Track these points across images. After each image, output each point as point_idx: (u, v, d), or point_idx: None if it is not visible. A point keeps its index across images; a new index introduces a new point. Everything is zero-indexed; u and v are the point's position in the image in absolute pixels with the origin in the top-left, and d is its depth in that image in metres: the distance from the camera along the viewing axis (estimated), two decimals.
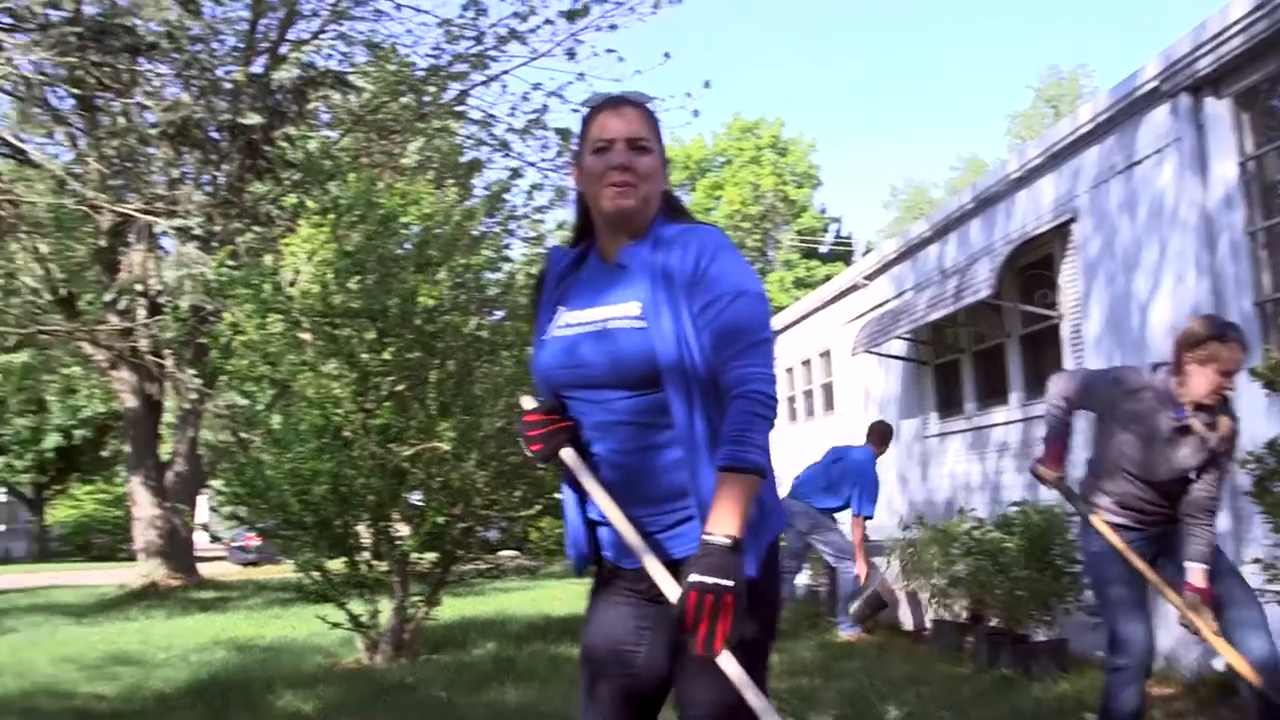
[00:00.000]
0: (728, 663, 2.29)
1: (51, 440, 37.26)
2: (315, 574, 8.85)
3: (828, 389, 15.05)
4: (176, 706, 7.24)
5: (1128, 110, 7.81)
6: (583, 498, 2.65)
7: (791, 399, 16.75)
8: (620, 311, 2.52)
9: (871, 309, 12.70)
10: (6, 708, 7.46)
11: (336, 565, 9.11)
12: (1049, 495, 8.54)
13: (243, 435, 9.48)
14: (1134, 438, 4.72)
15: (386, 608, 9.14)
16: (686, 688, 2.52)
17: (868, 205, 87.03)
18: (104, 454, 40.14)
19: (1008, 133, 46.57)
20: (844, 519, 10.33)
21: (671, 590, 2.39)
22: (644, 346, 2.45)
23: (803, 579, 12.89)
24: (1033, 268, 9.43)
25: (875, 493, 10.05)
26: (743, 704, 2.32)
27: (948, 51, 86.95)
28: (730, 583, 2.21)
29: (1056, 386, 5.11)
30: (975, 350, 10.60)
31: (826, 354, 15.02)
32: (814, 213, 35.78)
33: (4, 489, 44.06)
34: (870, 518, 10.06)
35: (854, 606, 9.77)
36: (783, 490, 10.21)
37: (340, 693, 7.42)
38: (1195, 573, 4.61)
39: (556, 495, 9.55)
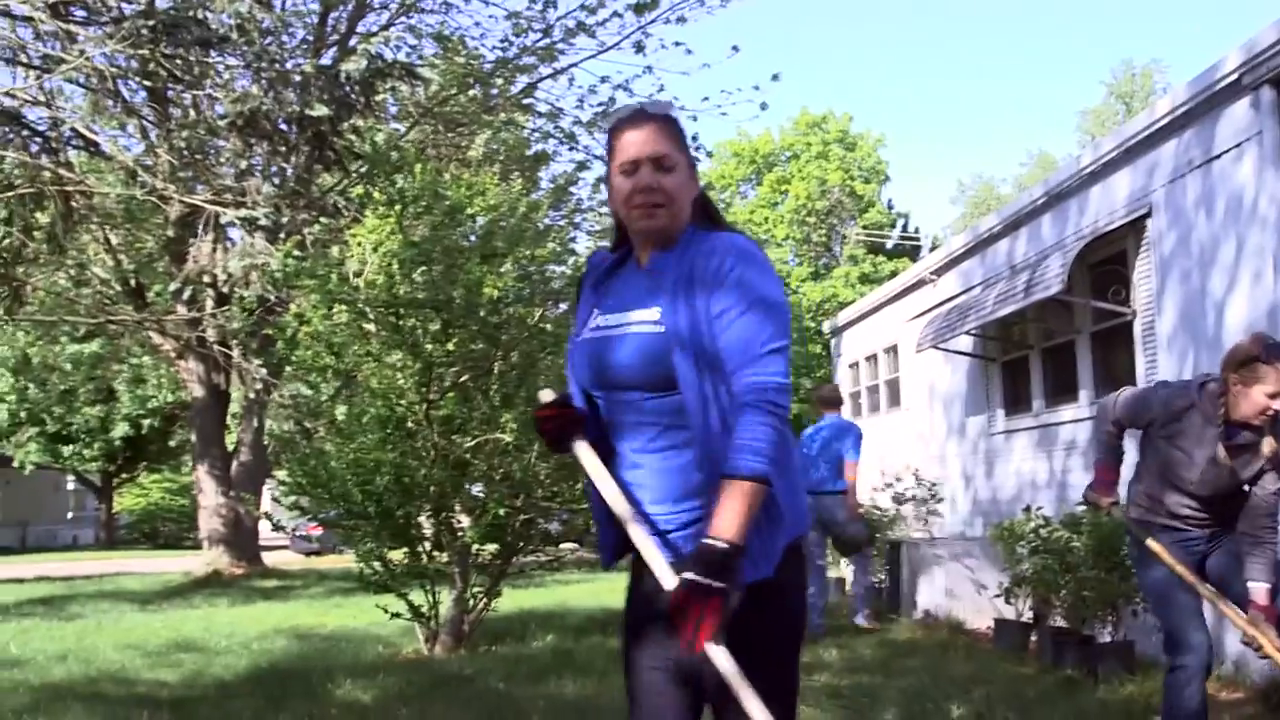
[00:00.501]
0: (719, 655, 2.35)
1: (120, 429, 37.81)
2: (376, 564, 8.87)
3: (893, 385, 14.90)
4: (236, 694, 7.28)
5: (1207, 104, 7.62)
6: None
7: (856, 394, 16.61)
8: (642, 316, 2.59)
9: (939, 304, 12.54)
10: (71, 693, 7.53)
11: (398, 555, 9.13)
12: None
13: (307, 425, 9.52)
14: (1183, 455, 4.72)
15: (447, 599, 9.15)
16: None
17: (935, 201, 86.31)
18: (171, 443, 40.68)
19: (1078, 128, 46.00)
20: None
21: (668, 582, 2.44)
22: (660, 349, 2.52)
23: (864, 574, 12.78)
24: (1105, 264, 9.24)
25: (859, 440, 10.04)
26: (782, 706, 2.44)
27: (1018, 45, 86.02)
28: (721, 585, 2.29)
29: (1106, 410, 5.11)
30: (1044, 347, 10.43)
31: (893, 349, 14.87)
32: (881, 208, 35.48)
33: (73, 477, 44.79)
34: (856, 462, 9.99)
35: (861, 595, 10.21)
36: None
37: (399, 683, 7.43)
38: (1259, 592, 4.61)
39: None
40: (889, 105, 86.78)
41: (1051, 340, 10.26)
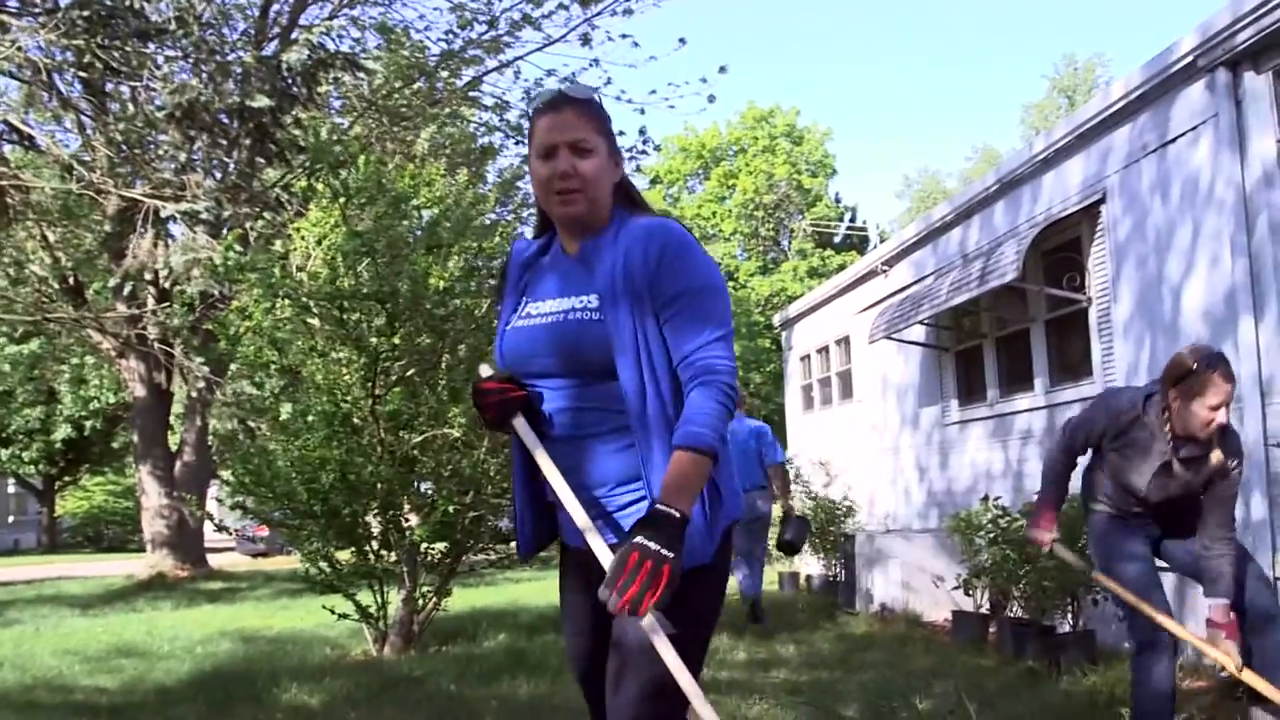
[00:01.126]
0: (662, 646, 2.33)
1: (62, 431, 37.15)
2: (323, 564, 8.65)
3: (845, 376, 14.81)
4: (178, 700, 7.05)
5: (1161, 87, 7.56)
6: (533, 480, 2.69)
7: (808, 387, 16.52)
8: (579, 303, 2.59)
9: (891, 295, 12.45)
10: (5, 702, 7.28)
11: (345, 555, 8.91)
12: (1075, 484, 8.36)
13: (250, 423, 9.28)
14: (1131, 465, 4.69)
15: (395, 599, 8.95)
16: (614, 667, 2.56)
17: (882, 195, 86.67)
18: (114, 445, 40.06)
19: (1022, 122, 46.28)
20: None
21: (605, 559, 2.43)
22: (600, 337, 2.52)
23: (817, 568, 12.71)
24: (1059, 251, 9.18)
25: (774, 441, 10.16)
26: (673, 686, 2.36)
27: (962, 41, 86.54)
28: (671, 554, 2.27)
29: (1059, 441, 5.07)
30: (998, 336, 10.36)
31: (844, 341, 14.77)
32: (828, 202, 35.44)
33: (13, 480, 44.00)
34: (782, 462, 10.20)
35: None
36: None
37: (347, 685, 7.22)
38: (1217, 609, 4.54)
39: None
40: (835, 99, 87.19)
41: (1006, 329, 10.19)
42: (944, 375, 11.43)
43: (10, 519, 48.15)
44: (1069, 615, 7.54)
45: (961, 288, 9.50)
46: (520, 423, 2.63)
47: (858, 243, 35.34)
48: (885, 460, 12.81)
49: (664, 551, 2.26)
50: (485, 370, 2.72)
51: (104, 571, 22.78)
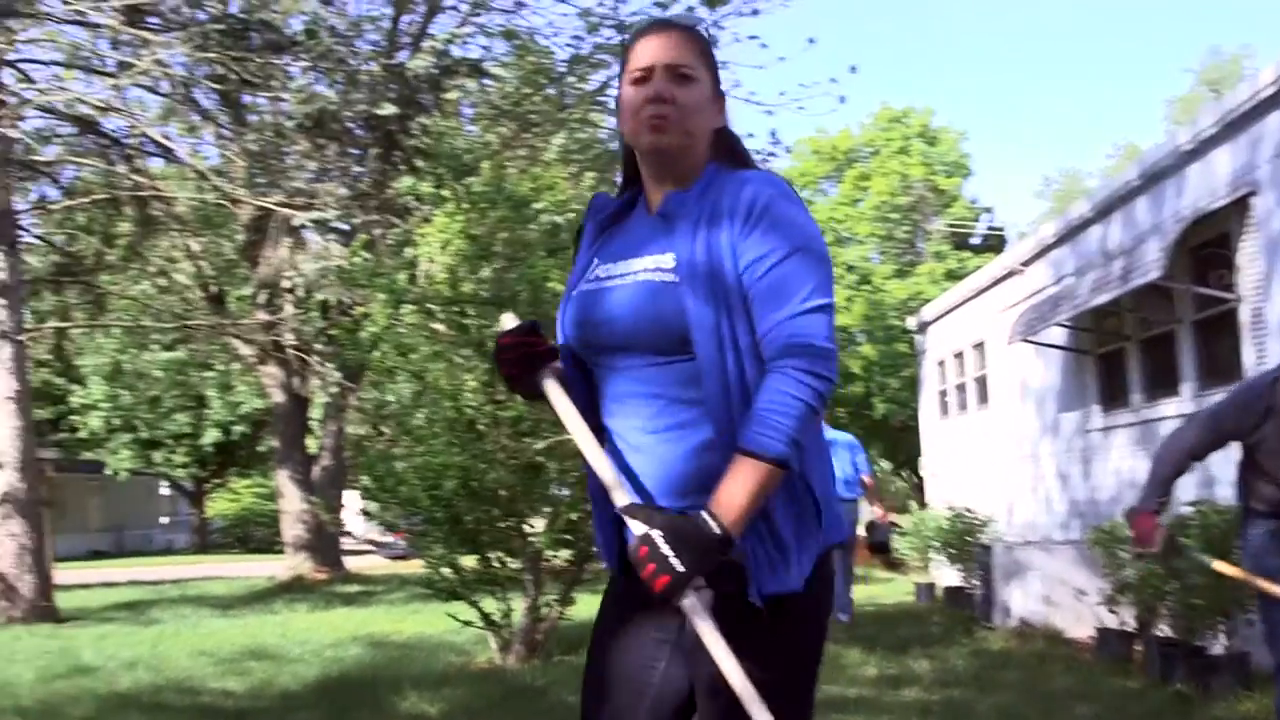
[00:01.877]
0: (736, 676, 1.96)
1: (210, 435, 38.19)
2: (446, 570, 8.61)
3: (982, 381, 14.38)
4: (300, 705, 7.07)
5: None
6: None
7: (944, 392, 16.12)
8: (652, 263, 2.15)
9: (1028, 296, 12.02)
10: (135, 702, 7.39)
11: (469, 562, 8.86)
12: (1226, 495, 7.90)
13: (378, 429, 9.32)
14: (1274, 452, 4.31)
15: (519, 606, 8.87)
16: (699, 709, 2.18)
17: (1020, 196, 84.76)
18: (260, 449, 41.03)
19: (1165, 118, 44.76)
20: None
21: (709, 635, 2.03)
22: (675, 304, 2.09)
23: (953, 578, 12.33)
24: (1207, 247, 8.73)
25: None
26: None
27: (1102, 35, 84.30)
28: (683, 571, 1.91)
29: (1180, 441, 4.55)
30: (1143, 338, 9.90)
31: (981, 345, 14.35)
32: (965, 203, 34.67)
33: (166, 482, 45.44)
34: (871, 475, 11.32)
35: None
36: None
37: (467, 694, 7.16)
38: None
39: None
40: (971, 98, 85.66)
41: (1150, 330, 9.75)
42: (1085, 379, 10.98)
43: (164, 520, 49.71)
44: (1221, 636, 7.11)
45: (1102, 287, 9.10)
46: (550, 384, 2.25)
47: (995, 244, 34.49)
48: (1024, 468, 12.39)
49: (675, 565, 1.91)
50: (508, 320, 2.34)
51: (249, 572, 23.27)
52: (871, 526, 11.50)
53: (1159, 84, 72.37)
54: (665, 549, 1.92)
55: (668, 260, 2.13)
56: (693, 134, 2.21)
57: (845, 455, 10.73)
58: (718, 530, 1.93)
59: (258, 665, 8.92)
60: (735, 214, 2.10)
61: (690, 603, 1.97)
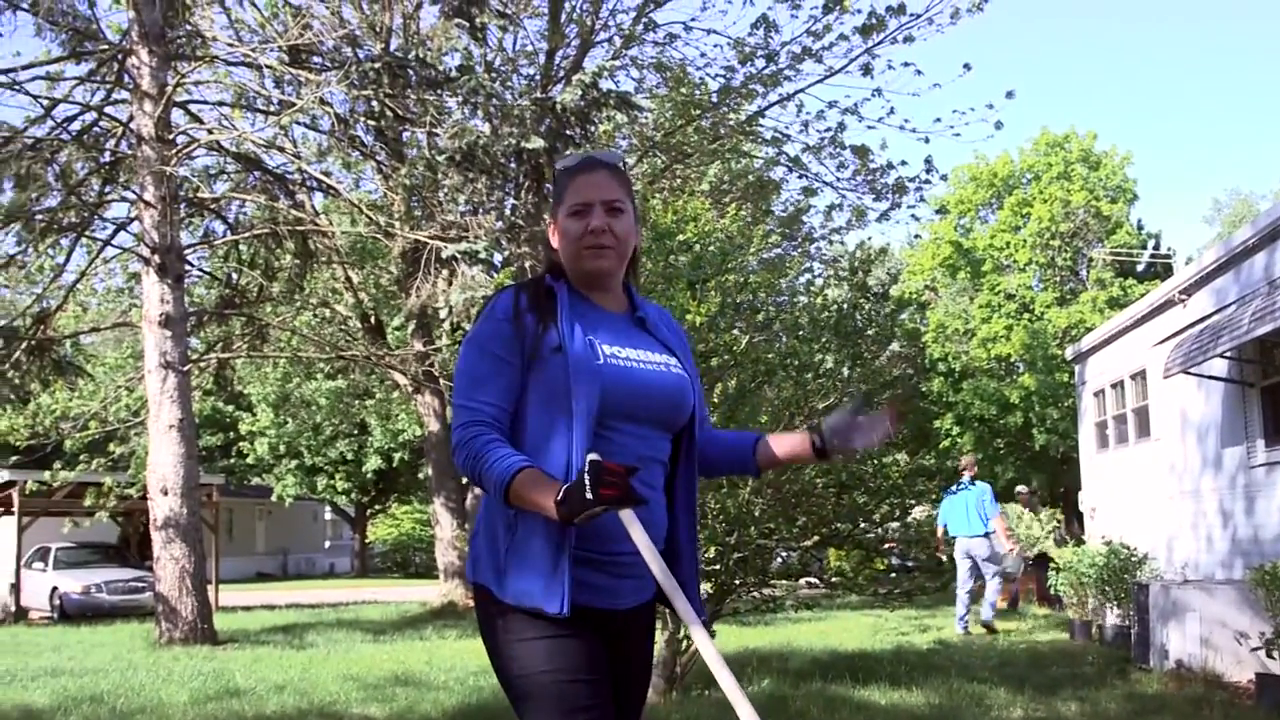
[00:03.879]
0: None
1: (372, 462, 39.12)
2: None
3: (1142, 413, 13.89)
4: None
5: None
6: (563, 532, 2.52)
7: (1102, 424, 15.63)
8: (670, 361, 2.75)
9: (1189, 325, 11.59)
10: None
11: None
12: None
13: None
14: None
15: (660, 639, 8.84)
16: None
17: (1189, 220, 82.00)
18: (420, 476, 41.85)
19: None
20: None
21: (693, 620, 2.54)
22: (688, 396, 2.74)
23: (1111, 617, 11.91)
24: None
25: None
26: None
27: (1272, 54, 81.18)
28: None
29: None
30: None
31: (1140, 375, 13.87)
32: (1130, 229, 33.61)
33: (329, 507, 46.68)
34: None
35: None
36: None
37: None
38: None
39: (839, 525, 9.08)
40: (1135, 119, 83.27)
41: None
42: (1249, 412, 10.53)
43: (327, 544, 51.11)
44: None
45: (1266, 317, 8.72)
46: (630, 516, 2.47)
47: (1161, 271, 33.41)
48: (1185, 504, 11.93)
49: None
50: (596, 456, 2.45)
51: (405, 597, 23.72)
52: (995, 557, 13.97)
53: None
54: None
55: (675, 362, 2.75)
56: (624, 257, 2.73)
57: (972, 502, 13.74)
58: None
59: (402, 691, 9.07)
60: (682, 335, 2.90)
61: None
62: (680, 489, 2.74)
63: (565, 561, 2.50)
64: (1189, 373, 10.78)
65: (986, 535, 13.82)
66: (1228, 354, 10.08)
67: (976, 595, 14.47)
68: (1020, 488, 20.69)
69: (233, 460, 39.11)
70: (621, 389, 2.59)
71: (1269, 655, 7.66)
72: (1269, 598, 7.69)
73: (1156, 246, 35.09)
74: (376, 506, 46.55)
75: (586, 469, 2.36)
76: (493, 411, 2.57)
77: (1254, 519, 10.31)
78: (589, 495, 2.34)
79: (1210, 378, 10.90)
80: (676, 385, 2.71)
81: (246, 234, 15.52)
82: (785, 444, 2.87)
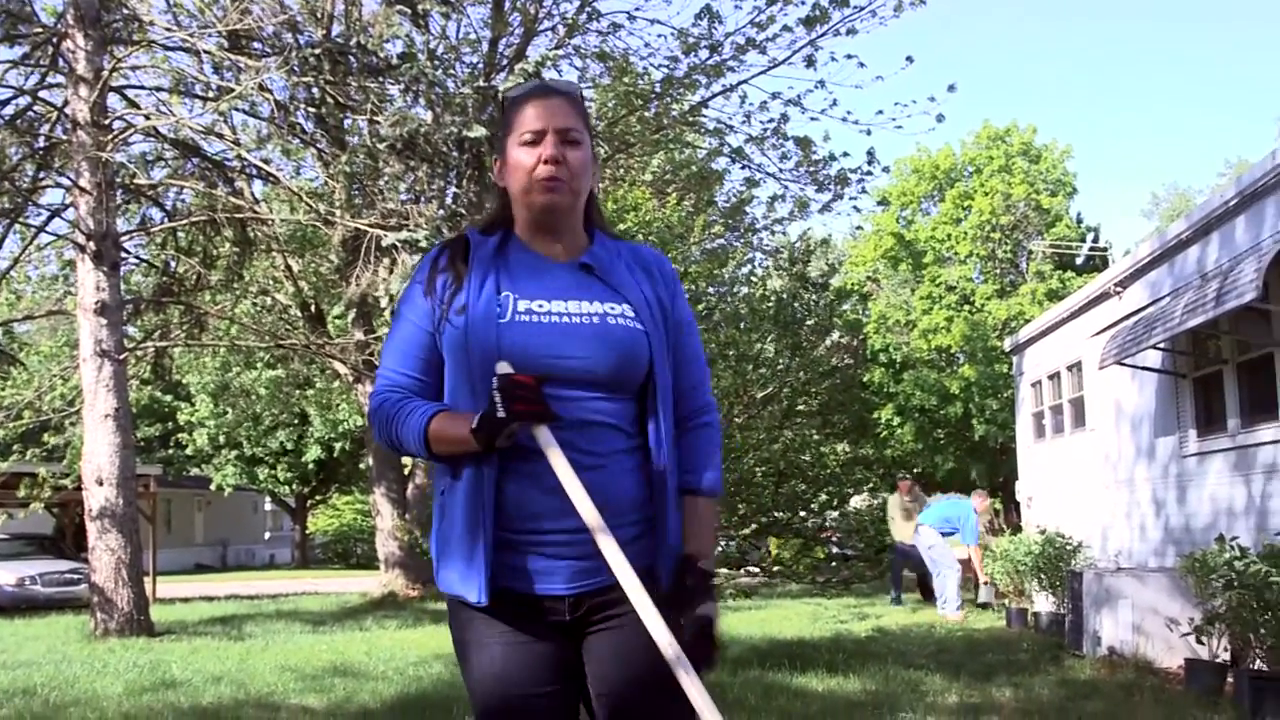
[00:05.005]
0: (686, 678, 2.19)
1: (313, 452, 38.87)
2: None
3: (1077, 404, 14.07)
4: None
5: None
6: (497, 510, 2.33)
7: (1039, 414, 15.82)
8: (614, 310, 2.40)
9: (1124, 317, 11.75)
10: (214, 716, 7.51)
11: None
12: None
13: None
14: None
15: None
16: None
17: (1127, 214, 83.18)
18: (361, 466, 41.62)
19: (1279, 135, 43.59)
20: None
21: (649, 613, 2.20)
22: (643, 350, 2.39)
23: (1046, 605, 12.07)
24: None
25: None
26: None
27: (1213, 49, 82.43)
28: (712, 614, 2.31)
29: None
30: (1240, 361, 9.62)
31: (1076, 366, 14.05)
32: (1069, 222, 33.98)
33: (269, 498, 46.32)
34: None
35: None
36: None
37: None
38: None
39: (778, 514, 9.15)
40: (1075, 115, 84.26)
41: (1248, 354, 9.45)
42: (1181, 403, 10.70)
43: (267, 535, 50.75)
44: None
45: (1197, 309, 8.86)
46: (546, 434, 2.26)
47: (1100, 264, 33.78)
48: (1119, 493, 12.10)
49: (714, 617, 2.30)
50: (506, 367, 2.29)
51: (346, 588, 23.59)
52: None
53: (1273, 99, 70.59)
54: (714, 615, 2.31)
55: (628, 310, 2.39)
56: (579, 193, 2.44)
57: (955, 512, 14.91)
58: (713, 570, 2.36)
59: (340, 682, 9.02)
60: (665, 283, 2.50)
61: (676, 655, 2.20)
62: (657, 456, 2.38)
63: (481, 544, 2.31)
64: (1123, 364, 10.93)
65: (951, 534, 14.61)
66: (1161, 345, 10.24)
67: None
68: (902, 474, 21.34)
69: (171, 451, 38.74)
70: (527, 348, 2.31)
71: (1198, 641, 7.79)
72: (1198, 585, 7.82)
73: (1095, 240, 35.51)
74: (317, 497, 46.28)
75: (495, 384, 2.22)
76: (406, 381, 2.42)
77: (1185, 508, 10.48)
78: (500, 413, 2.19)
79: (1144, 369, 11.06)
80: (614, 338, 2.35)
81: (184, 221, 15.32)
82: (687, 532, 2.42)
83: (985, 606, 14.65)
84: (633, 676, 2.35)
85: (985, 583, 14.57)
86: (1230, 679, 7.56)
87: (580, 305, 2.38)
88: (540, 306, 2.36)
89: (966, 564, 15.23)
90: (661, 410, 2.38)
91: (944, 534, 14.60)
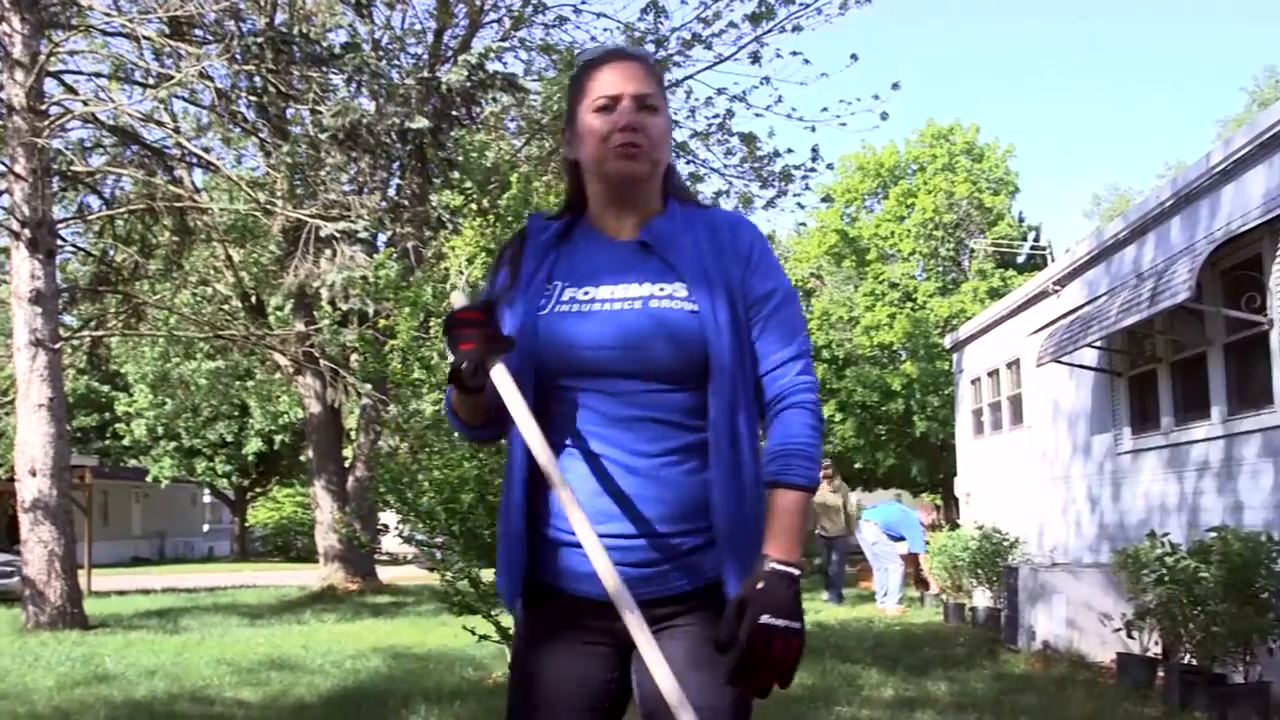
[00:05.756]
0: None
1: (253, 445, 38.53)
2: (464, 584, 8.57)
3: (1016, 401, 14.22)
4: (310, 718, 7.07)
5: None
6: (537, 498, 2.14)
7: (978, 411, 15.97)
8: (660, 291, 2.13)
9: (1062, 316, 11.88)
10: (149, 711, 7.43)
11: (489, 575, 8.83)
12: (1253, 521, 7.75)
13: (395, 443, 9.33)
14: None
15: None
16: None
17: (1069, 214, 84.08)
18: (302, 459, 41.31)
19: (1217, 138, 44.26)
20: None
21: (650, 650, 1.96)
22: (695, 331, 2.09)
23: (984, 600, 12.19)
24: (1239, 269, 8.57)
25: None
26: None
27: (1153, 53, 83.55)
28: (799, 625, 1.96)
29: None
30: (1173, 360, 9.75)
31: (1015, 364, 14.20)
32: (1011, 221, 34.31)
33: (209, 490, 45.85)
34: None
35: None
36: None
37: (478, 709, 7.15)
38: None
39: None
40: (1019, 115, 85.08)
41: (1181, 353, 9.59)
42: (1116, 401, 10.83)
43: (205, 528, 50.23)
44: (1242, 665, 6.96)
45: (1132, 308, 8.96)
46: (501, 373, 2.05)
47: (1041, 263, 34.15)
48: (1056, 490, 12.24)
49: (793, 625, 1.95)
50: (459, 299, 2.13)
51: (285, 581, 23.40)
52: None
53: (1213, 102, 71.77)
54: (779, 622, 1.94)
55: (679, 290, 2.13)
56: (658, 162, 2.21)
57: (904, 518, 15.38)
58: (795, 570, 2.01)
59: (276, 676, 8.95)
60: (738, 253, 2.18)
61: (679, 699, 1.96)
62: (717, 452, 2.09)
63: (517, 542, 2.15)
64: (1060, 362, 11.05)
65: (897, 540, 14.95)
66: (1097, 344, 10.35)
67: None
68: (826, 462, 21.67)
69: (108, 441, 38.23)
70: (565, 340, 2.13)
71: (1129, 636, 7.89)
72: (1130, 580, 7.91)
73: (1037, 239, 35.86)
74: (257, 489, 45.89)
75: (444, 324, 2.06)
76: None
77: (1120, 504, 10.62)
78: (450, 356, 2.04)
79: (1081, 367, 11.19)
80: (658, 321, 2.11)
81: (122, 209, 15.12)
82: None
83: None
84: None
85: (935, 594, 14.55)
86: (1161, 673, 7.67)
87: (628, 289, 2.15)
88: (585, 294, 2.16)
89: (909, 559, 15.38)
90: (727, 400, 2.09)
91: (891, 538, 14.91)
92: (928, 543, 14.64)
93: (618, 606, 1.97)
